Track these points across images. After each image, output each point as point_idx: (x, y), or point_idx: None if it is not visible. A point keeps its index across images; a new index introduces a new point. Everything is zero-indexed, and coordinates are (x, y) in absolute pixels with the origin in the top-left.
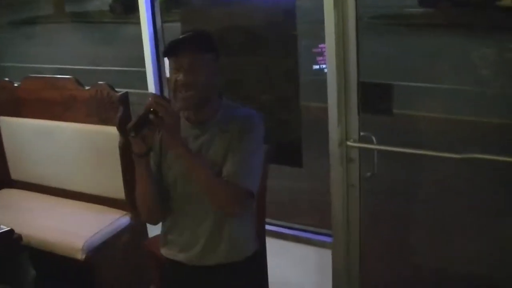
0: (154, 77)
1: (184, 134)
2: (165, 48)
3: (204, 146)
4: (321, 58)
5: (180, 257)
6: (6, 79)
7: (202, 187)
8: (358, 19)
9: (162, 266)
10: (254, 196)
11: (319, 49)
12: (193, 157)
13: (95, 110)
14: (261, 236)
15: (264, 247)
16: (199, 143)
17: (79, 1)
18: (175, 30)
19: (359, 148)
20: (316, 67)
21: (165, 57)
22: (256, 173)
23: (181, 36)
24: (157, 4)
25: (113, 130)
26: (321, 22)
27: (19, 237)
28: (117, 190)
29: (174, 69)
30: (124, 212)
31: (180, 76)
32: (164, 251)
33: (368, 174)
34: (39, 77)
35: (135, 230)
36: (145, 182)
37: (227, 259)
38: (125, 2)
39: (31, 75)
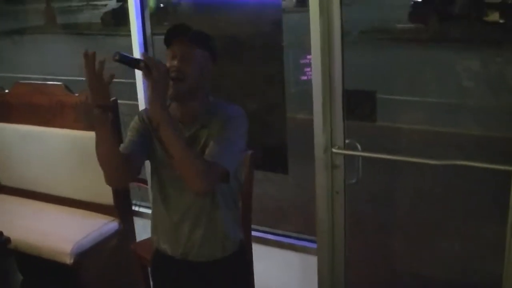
0: (144, 87)
1: None
2: (167, 32)
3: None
4: (309, 69)
5: (165, 247)
6: None
7: (176, 158)
8: (343, 28)
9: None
10: (229, 175)
11: (307, 60)
12: (170, 124)
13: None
14: (247, 236)
15: (250, 247)
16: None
17: (70, 12)
18: None
19: (344, 155)
20: (304, 77)
21: (165, 40)
22: (233, 156)
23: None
24: (147, 16)
25: None
26: (309, 34)
27: (7, 239)
28: (105, 195)
29: (170, 57)
30: (112, 218)
31: (175, 63)
32: (152, 238)
33: (353, 180)
34: (28, 83)
35: (123, 235)
36: (109, 140)
37: (211, 256)
38: (116, 15)
39: (21, 81)
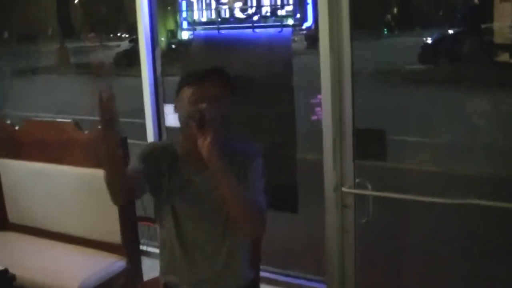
0: (154, 127)
1: (185, 169)
2: (189, 74)
3: (207, 181)
4: (319, 109)
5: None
6: (8, 121)
7: (231, 204)
8: (353, 68)
9: None
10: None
11: (318, 100)
12: (227, 172)
13: (94, 154)
14: (256, 276)
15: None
16: (202, 178)
17: (84, 53)
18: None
19: (354, 194)
20: (314, 117)
21: (187, 83)
22: (265, 198)
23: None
24: (158, 57)
25: None
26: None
27: (13, 276)
28: (113, 234)
29: (192, 99)
30: (120, 257)
31: (204, 105)
32: (169, 278)
33: (363, 220)
34: (38, 120)
35: (130, 274)
36: (117, 158)
37: None
38: (128, 56)
39: (31, 118)
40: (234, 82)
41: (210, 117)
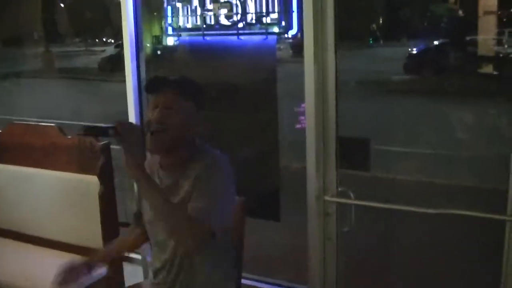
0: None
1: (155, 178)
2: (148, 82)
3: (168, 190)
4: (303, 117)
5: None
6: None
7: (159, 216)
8: (337, 77)
9: None
10: (216, 235)
11: (302, 109)
12: (147, 184)
13: (76, 159)
14: (237, 285)
15: None
16: (164, 187)
17: (68, 57)
18: None
19: (337, 202)
20: (298, 126)
21: (146, 91)
22: (220, 213)
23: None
24: (142, 62)
25: (93, 179)
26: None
27: None
28: (95, 239)
29: (152, 106)
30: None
31: (156, 113)
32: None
33: (346, 229)
34: (21, 123)
35: (111, 281)
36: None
37: None
38: (113, 61)
39: (14, 122)
40: (200, 91)
41: (157, 126)
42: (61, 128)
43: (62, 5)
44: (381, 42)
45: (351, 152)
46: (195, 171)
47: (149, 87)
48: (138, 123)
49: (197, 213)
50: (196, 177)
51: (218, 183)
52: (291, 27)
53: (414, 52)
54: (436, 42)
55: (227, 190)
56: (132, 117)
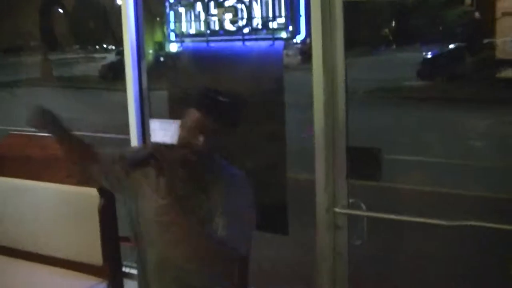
0: (138, 143)
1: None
2: (203, 96)
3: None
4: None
5: None
6: None
7: (185, 242)
8: (347, 83)
9: None
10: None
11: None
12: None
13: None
14: None
15: None
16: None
17: (68, 65)
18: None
19: (348, 214)
20: (304, 135)
21: (196, 107)
22: (245, 236)
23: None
24: (143, 70)
25: (93, 192)
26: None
27: None
28: (94, 255)
29: (196, 125)
30: (101, 279)
31: (201, 139)
32: None
33: (358, 242)
34: (21, 134)
35: None
36: None
37: None
38: (114, 68)
39: (14, 132)
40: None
41: (199, 155)
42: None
43: (61, 10)
44: (394, 47)
45: (362, 162)
46: (214, 190)
47: (203, 102)
48: (142, 139)
49: (227, 240)
50: (217, 197)
51: (241, 204)
52: (298, 32)
53: (429, 57)
54: (451, 46)
55: (250, 210)
56: (133, 127)
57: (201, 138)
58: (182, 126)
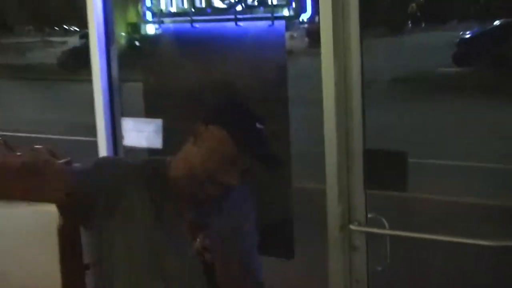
0: (108, 147)
1: None
2: (236, 110)
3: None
4: None
5: None
6: None
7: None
8: (363, 72)
9: None
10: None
11: None
12: None
13: (28, 182)
14: None
15: None
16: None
17: (20, 50)
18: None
19: (366, 233)
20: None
21: (221, 122)
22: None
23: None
24: (114, 56)
25: (51, 208)
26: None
27: None
28: (53, 283)
29: (230, 158)
30: None
31: (236, 176)
32: None
33: (379, 267)
34: None
35: None
36: None
37: None
38: (77, 55)
39: None
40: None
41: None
42: (6, 142)
43: None
44: (423, 25)
45: (384, 169)
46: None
47: (232, 120)
48: (112, 141)
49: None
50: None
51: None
52: (304, 10)
53: (467, 36)
54: (496, 23)
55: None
56: (101, 127)
57: (235, 176)
58: (198, 146)
